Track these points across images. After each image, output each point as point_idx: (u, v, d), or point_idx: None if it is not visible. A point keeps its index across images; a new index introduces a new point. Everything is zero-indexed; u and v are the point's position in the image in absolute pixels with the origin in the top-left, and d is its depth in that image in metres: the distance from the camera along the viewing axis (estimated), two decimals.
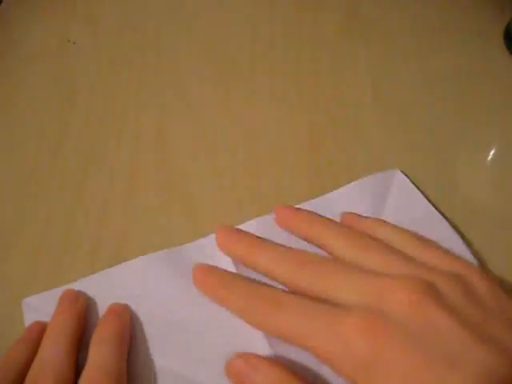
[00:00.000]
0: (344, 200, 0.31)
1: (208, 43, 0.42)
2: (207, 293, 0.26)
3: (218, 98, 0.38)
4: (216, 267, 0.27)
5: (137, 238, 0.31)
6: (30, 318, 0.27)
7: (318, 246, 0.27)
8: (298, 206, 0.31)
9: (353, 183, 0.32)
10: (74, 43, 0.43)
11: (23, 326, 0.27)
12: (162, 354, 0.26)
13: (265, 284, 0.25)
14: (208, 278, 0.26)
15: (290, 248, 0.26)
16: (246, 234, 0.28)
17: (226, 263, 0.28)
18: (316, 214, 0.29)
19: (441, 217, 0.30)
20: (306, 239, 0.28)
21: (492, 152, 0.35)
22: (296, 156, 0.35)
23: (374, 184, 0.32)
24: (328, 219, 0.28)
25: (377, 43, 0.41)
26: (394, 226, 0.28)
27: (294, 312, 0.23)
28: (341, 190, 0.32)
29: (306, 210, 0.29)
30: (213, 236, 0.29)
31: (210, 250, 0.29)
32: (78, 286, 0.28)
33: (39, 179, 0.34)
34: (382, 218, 0.30)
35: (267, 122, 0.37)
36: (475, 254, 0.29)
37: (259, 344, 0.26)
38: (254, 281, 0.26)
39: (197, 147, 0.36)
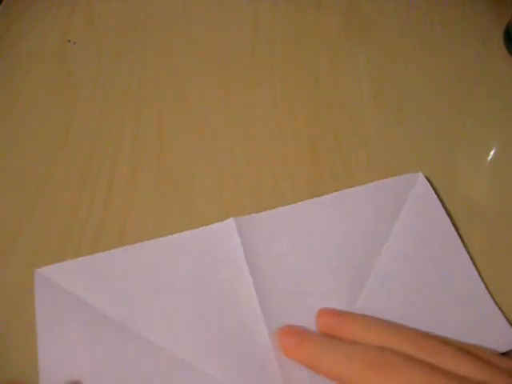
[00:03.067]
0: (360, 199, 0.31)
1: (208, 44, 0.42)
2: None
3: (218, 98, 0.38)
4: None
5: (137, 239, 0.31)
6: (40, 289, 0.27)
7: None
8: (308, 200, 0.31)
9: (374, 183, 0.32)
10: (74, 43, 0.43)
11: (22, 326, 0.27)
12: (164, 338, 0.26)
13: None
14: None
15: (355, 344, 0.24)
16: (307, 335, 0.26)
17: (236, 248, 0.29)
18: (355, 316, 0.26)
19: (453, 230, 0.30)
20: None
21: (492, 152, 0.35)
22: (296, 156, 0.35)
23: (393, 186, 0.32)
24: (368, 319, 0.26)
25: (377, 43, 0.41)
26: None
27: None
28: (360, 187, 0.32)
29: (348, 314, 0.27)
30: (220, 223, 0.30)
31: (218, 236, 0.30)
32: (89, 259, 0.29)
33: (39, 179, 0.34)
34: (396, 221, 0.30)
35: (267, 121, 0.37)
36: (475, 253, 0.29)
37: (258, 331, 0.26)
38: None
39: (197, 147, 0.36)
